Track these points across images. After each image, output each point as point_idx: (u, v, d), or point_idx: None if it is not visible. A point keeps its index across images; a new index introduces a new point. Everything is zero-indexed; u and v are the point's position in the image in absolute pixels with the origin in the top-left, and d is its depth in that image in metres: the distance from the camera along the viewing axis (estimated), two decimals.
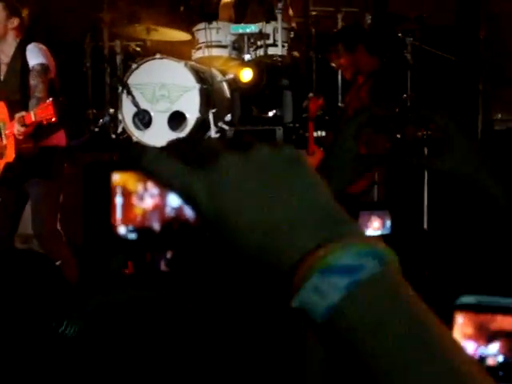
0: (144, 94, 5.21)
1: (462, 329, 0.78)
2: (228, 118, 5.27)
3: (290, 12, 5.56)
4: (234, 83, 5.38)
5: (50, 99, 3.74)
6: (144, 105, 5.20)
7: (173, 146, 0.56)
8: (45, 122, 3.76)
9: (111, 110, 5.44)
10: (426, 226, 4.70)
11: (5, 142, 3.94)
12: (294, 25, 5.49)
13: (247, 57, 5.28)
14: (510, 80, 5.76)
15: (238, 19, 5.55)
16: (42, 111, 3.72)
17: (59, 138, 4.09)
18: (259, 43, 5.26)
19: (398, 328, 0.48)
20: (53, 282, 1.42)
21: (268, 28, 5.23)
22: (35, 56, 3.98)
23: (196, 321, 1.15)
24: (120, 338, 1.27)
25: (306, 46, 5.62)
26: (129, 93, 5.19)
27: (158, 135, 5.06)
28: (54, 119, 3.71)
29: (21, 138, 3.85)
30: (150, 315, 1.14)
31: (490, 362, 0.77)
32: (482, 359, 0.77)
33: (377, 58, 4.81)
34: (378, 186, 4.57)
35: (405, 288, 0.51)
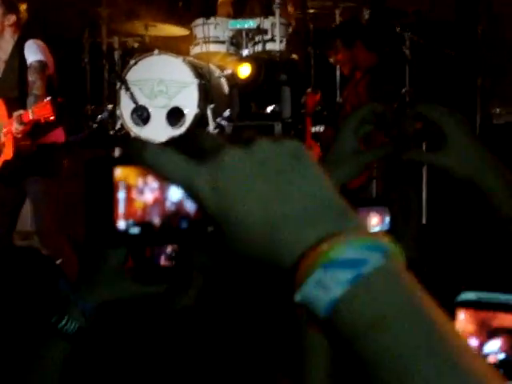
0: (142, 89, 5.20)
1: (463, 326, 0.77)
2: (226, 113, 5.26)
3: (290, 9, 5.54)
4: (232, 79, 5.37)
5: (49, 98, 3.72)
6: (142, 100, 5.19)
7: (175, 140, 0.56)
8: (43, 121, 3.74)
9: (109, 106, 5.43)
10: (424, 221, 4.69)
11: (3, 139, 3.93)
12: (292, 22, 5.47)
13: (245, 52, 5.27)
14: (508, 74, 5.76)
15: (237, 15, 5.54)
16: (40, 110, 3.71)
17: (58, 135, 4.07)
18: (257, 39, 5.25)
19: (402, 321, 0.48)
20: (52, 279, 1.42)
21: (266, 23, 5.22)
22: (33, 53, 3.96)
23: (197, 318, 1.15)
24: (122, 334, 1.26)
25: (304, 42, 5.60)
26: (127, 89, 5.18)
27: (157, 131, 5.05)
28: (52, 118, 3.70)
29: (19, 136, 3.84)
30: (152, 312, 1.13)
31: (491, 359, 0.77)
32: (483, 357, 0.77)
33: (375, 54, 4.80)
34: (376, 182, 4.57)
35: (409, 281, 0.50)
